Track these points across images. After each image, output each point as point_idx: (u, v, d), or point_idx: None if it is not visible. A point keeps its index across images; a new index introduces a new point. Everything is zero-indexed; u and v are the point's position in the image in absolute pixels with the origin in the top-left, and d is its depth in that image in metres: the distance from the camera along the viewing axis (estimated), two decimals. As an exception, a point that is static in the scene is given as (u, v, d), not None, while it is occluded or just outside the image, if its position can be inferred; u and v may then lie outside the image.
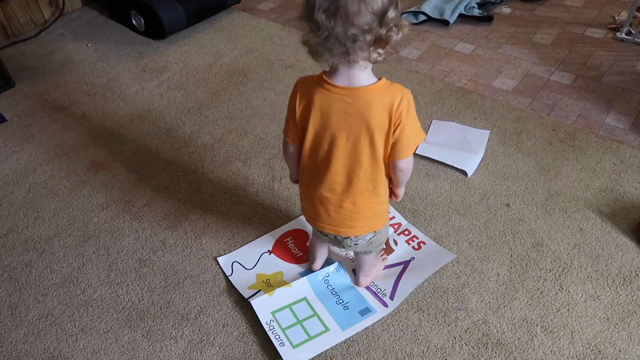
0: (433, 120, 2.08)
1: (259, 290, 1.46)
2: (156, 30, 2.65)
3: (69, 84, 2.42)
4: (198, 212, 1.74)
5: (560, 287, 1.45)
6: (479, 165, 1.85)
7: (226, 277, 1.52)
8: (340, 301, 1.43)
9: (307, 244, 1.60)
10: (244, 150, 1.98)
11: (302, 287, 1.46)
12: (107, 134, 2.10)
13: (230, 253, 1.59)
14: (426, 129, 2.03)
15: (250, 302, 1.41)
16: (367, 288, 1.47)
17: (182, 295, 1.49)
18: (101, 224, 1.73)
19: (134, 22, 2.73)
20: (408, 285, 1.46)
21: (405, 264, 1.53)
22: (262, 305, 1.40)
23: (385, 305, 1.42)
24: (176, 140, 2.05)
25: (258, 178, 1.86)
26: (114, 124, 2.16)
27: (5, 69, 2.37)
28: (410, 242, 1.60)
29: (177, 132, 2.09)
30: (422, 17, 2.75)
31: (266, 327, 1.36)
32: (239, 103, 2.23)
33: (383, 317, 1.39)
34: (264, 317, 1.38)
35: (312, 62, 2.43)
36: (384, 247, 1.54)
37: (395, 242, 1.60)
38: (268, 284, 1.48)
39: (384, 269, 1.52)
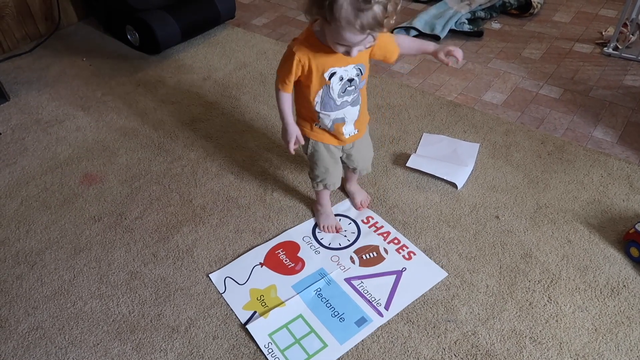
0: (423, 134, 2.10)
1: (255, 312, 1.45)
2: (151, 45, 2.68)
3: (63, 97, 2.43)
4: (190, 224, 1.75)
5: (549, 298, 1.46)
6: (468, 177, 1.87)
7: (219, 293, 1.52)
8: (336, 313, 1.44)
9: (323, 226, 1.70)
10: (237, 164, 2.00)
11: (296, 305, 1.46)
12: (100, 147, 2.12)
13: (222, 268, 1.59)
14: (417, 143, 2.06)
15: (247, 327, 1.41)
16: (362, 296, 1.48)
17: (173, 307, 1.50)
18: (93, 236, 1.73)
19: (128, 36, 2.76)
20: (403, 298, 1.47)
21: (398, 274, 1.54)
22: (259, 329, 1.41)
23: (381, 314, 1.43)
24: (169, 154, 2.07)
25: (250, 191, 1.87)
26: (108, 137, 2.17)
27: (0, 83, 2.38)
28: (401, 250, 1.61)
29: (170, 146, 2.11)
30: (413, 33, 2.80)
31: (265, 351, 1.36)
32: (232, 117, 2.25)
33: (379, 327, 1.40)
34: (261, 340, 1.38)
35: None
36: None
37: (386, 251, 1.61)
38: (262, 302, 1.48)
39: (375, 277, 1.53)
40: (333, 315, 1.44)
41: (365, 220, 1.73)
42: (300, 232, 1.69)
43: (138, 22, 2.64)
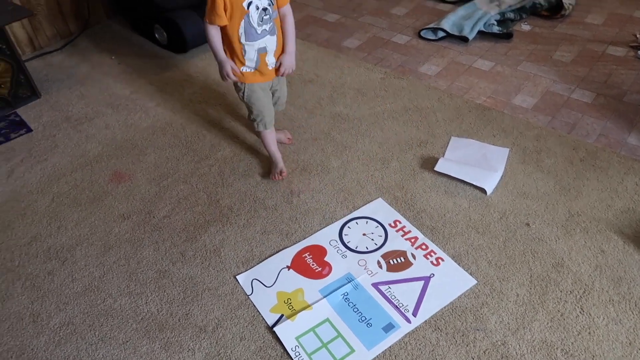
0: (452, 137, 2.08)
1: (282, 315, 1.46)
2: (178, 44, 2.70)
3: (93, 95, 2.47)
4: (217, 224, 1.76)
5: (582, 309, 1.43)
6: (498, 183, 1.84)
7: (246, 294, 1.53)
8: (363, 318, 1.43)
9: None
10: (264, 164, 2.00)
11: (323, 308, 1.46)
12: (129, 146, 2.14)
13: (249, 270, 1.60)
14: (445, 146, 2.04)
15: (275, 329, 1.42)
16: (389, 302, 1.47)
17: (201, 307, 1.51)
18: (122, 234, 1.75)
19: (156, 35, 2.79)
20: (431, 305, 1.45)
21: (426, 280, 1.52)
22: (286, 332, 1.41)
23: (409, 321, 1.41)
24: (197, 153, 2.08)
25: (277, 192, 1.87)
26: (136, 135, 2.20)
27: (32, 80, 2.43)
28: (429, 256, 1.60)
29: (197, 145, 2.12)
30: (441, 34, 2.76)
31: (292, 354, 1.36)
32: (258, 117, 2.26)
33: (407, 334, 1.39)
34: (288, 343, 1.39)
35: (331, 77, 2.47)
36: None
37: (414, 256, 1.60)
38: (289, 305, 1.48)
39: (403, 282, 1.52)
40: (360, 320, 1.43)
41: (393, 224, 1.72)
42: (326, 236, 1.69)
43: (166, 21, 2.66)
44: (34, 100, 2.45)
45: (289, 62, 1.73)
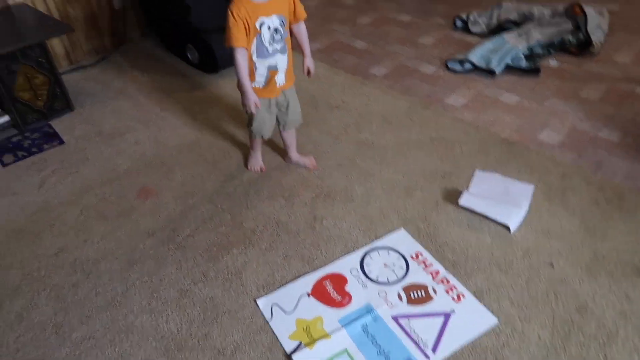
0: (476, 170, 2.08)
1: (300, 343, 1.46)
2: (210, 64, 2.76)
3: (124, 111, 2.54)
4: (240, 246, 1.78)
5: (605, 356, 1.41)
6: (522, 220, 1.83)
7: (265, 319, 1.54)
8: (382, 351, 1.42)
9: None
10: (288, 187, 2.02)
11: (341, 338, 1.46)
12: (157, 162, 2.19)
13: (270, 294, 1.61)
14: (469, 179, 2.04)
15: (292, 357, 1.42)
16: (408, 336, 1.46)
17: (220, 329, 1.52)
18: (146, 250, 1.78)
19: (188, 55, 2.86)
20: (451, 342, 1.44)
21: (446, 316, 1.51)
22: None
23: (427, 357, 1.40)
24: (223, 172, 2.11)
25: (300, 217, 1.89)
26: (165, 152, 2.24)
27: (67, 93, 2.51)
28: (450, 291, 1.59)
29: (224, 164, 2.16)
30: (468, 66, 2.78)
31: None
32: (284, 140, 2.29)
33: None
34: None
35: (358, 104, 2.50)
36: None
37: (435, 290, 1.59)
38: (308, 333, 1.49)
39: (422, 317, 1.51)
40: (379, 353, 1.42)
41: (415, 256, 1.72)
42: (348, 264, 1.69)
43: (199, 42, 2.73)
44: (68, 113, 2.53)
45: (312, 62, 1.90)
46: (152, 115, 2.50)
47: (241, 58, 1.68)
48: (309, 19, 1.83)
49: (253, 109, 1.79)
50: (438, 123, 2.38)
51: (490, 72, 2.74)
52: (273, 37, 1.69)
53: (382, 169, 2.11)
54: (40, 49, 2.30)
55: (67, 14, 2.80)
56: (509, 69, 2.77)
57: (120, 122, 2.46)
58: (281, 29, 1.70)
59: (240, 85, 1.76)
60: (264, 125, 1.94)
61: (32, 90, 2.36)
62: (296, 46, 1.85)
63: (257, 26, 1.65)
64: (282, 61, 1.77)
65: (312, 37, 3.20)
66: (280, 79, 1.82)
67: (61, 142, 2.33)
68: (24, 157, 2.24)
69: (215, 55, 2.67)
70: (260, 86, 1.81)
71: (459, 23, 3.26)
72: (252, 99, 1.76)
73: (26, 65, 2.28)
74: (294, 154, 2.12)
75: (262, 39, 1.68)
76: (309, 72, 1.90)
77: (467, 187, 2.00)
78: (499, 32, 3.07)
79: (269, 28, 1.66)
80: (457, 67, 2.81)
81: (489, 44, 2.87)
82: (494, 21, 3.15)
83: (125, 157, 2.23)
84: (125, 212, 1.95)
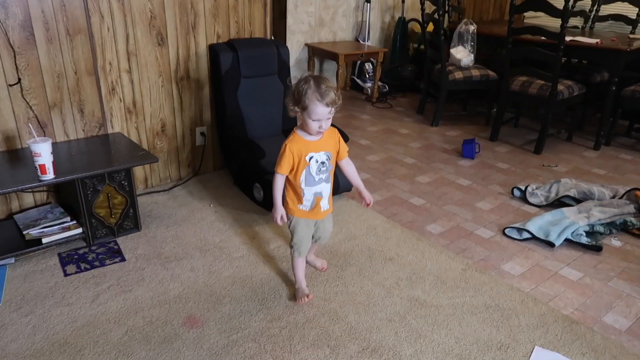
0: (536, 347, 1.95)
1: None
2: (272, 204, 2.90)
3: (186, 237, 2.65)
4: (278, 394, 1.68)
5: None
6: (589, 412, 1.65)
7: None
8: None
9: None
10: (334, 336, 1.96)
11: None
12: (208, 292, 2.21)
13: None
14: (528, 355, 1.90)
15: None
16: None
17: None
18: (182, 383, 1.72)
19: (254, 193, 3.04)
20: None
21: None
22: None
23: None
24: (270, 311, 2.09)
25: (344, 370, 1.79)
26: (217, 283, 2.28)
27: (138, 213, 2.68)
28: None
29: (272, 303, 2.14)
30: (525, 235, 2.77)
31: None
32: (335, 286, 2.28)
33: None
34: None
35: (412, 259, 2.50)
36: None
37: None
38: None
39: None
40: None
41: None
42: None
43: (266, 183, 2.91)
44: (134, 232, 2.67)
45: (368, 193, 2.16)
46: (211, 244, 2.59)
47: (280, 181, 2.02)
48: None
49: (279, 221, 2.06)
50: (494, 289, 2.31)
51: (549, 244, 2.70)
52: (319, 169, 1.98)
53: (433, 331, 2.02)
54: (125, 173, 2.53)
55: (154, 146, 3.12)
56: (569, 242, 2.73)
57: (179, 247, 2.56)
58: (327, 163, 1.99)
59: (274, 200, 2.05)
60: (303, 240, 2.13)
61: (109, 208, 2.54)
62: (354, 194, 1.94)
63: (307, 159, 1.95)
64: (326, 189, 2.05)
65: (372, 189, 3.37)
66: (324, 204, 2.08)
67: (123, 259, 2.43)
68: (86, 269, 2.34)
69: (279, 196, 2.82)
70: (307, 209, 2.07)
71: (517, 192, 3.32)
72: (280, 212, 2.05)
73: (109, 186, 2.50)
74: (311, 255, 2.39)
75: (310, 169, 1.97)
76: (367, 204, 2.14)
77: (526, 364, 1.85)
78: (557, 206, 3.09)
79: (316, 161, 1.96)
80: (515, 234, 2.80)
81: (548, 216, 2.88)
82: (553, 195, 3.19)
83: (178, 282, 2.27)
84: (169, 338, 1.92)
